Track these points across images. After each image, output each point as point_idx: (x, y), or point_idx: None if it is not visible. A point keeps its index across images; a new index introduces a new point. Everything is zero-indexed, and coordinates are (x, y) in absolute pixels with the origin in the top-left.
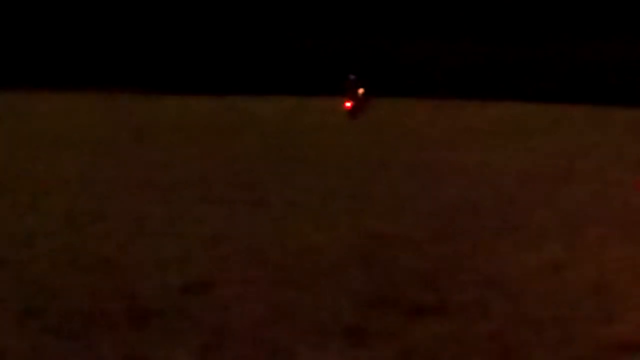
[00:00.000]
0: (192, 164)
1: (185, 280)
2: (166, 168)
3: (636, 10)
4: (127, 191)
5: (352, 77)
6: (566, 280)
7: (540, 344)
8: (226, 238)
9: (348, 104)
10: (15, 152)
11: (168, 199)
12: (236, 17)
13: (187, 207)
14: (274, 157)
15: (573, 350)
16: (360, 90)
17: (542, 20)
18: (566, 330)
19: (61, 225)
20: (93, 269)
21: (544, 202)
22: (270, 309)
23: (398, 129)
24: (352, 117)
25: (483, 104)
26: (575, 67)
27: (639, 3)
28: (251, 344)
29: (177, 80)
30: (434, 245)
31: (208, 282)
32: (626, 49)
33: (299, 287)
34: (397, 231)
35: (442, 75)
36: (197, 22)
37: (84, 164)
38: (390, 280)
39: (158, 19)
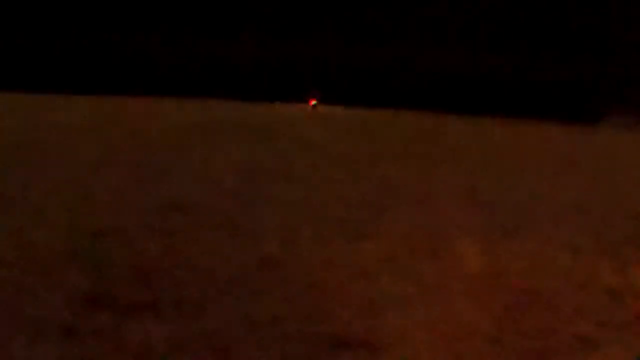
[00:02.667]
0: None
1: None
2: None
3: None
4: None
5: (314, 88)
6: (282, 277)
7: (255, 342)
8: None
9: (313, 102)
10: None
11: None
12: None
13: None
14: None
15: (287, 348)
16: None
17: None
18: (281, 328)
19: None
20: None
21: (263, 200)
22: None
23: (120, 127)
24: (314, 109)
25: (205, 102)
26: (292, 67)
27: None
28: None
29: None
30: (151, 242)
31: None
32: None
33: (14, 284)
34: (114, 228)
35: (162, 72)
36: None
37: None
38: (105, 278)
39: None
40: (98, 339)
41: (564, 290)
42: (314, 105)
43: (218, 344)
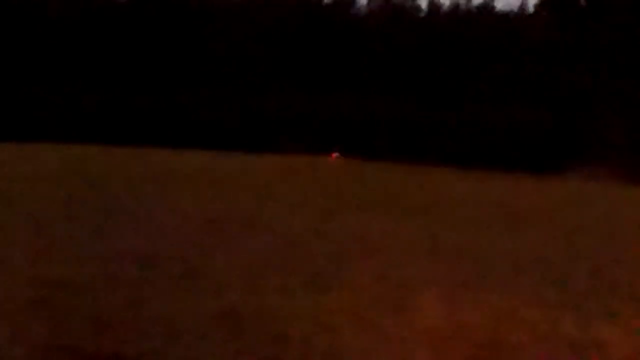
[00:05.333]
0: None
1: None
2: None
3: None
4: None
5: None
6: (244, 329)
7: None
8: None
9: (334, 155)
10: None
11: None
12: None
13: None
14: None
15: None
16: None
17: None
18: None
19: None
20: None
21: (227, 249)
22: None
23: (82, 176)
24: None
25: (169, 152)
26: (263, 117)
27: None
28: None
29: None
30: (113, 292)
31: None
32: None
33: None
34: (75, 278)
35: (122, 123)
36: None
37: None
38: (67, 328)
39: None
40: None
41: (526, 342)
42: (337, 158)
43: None
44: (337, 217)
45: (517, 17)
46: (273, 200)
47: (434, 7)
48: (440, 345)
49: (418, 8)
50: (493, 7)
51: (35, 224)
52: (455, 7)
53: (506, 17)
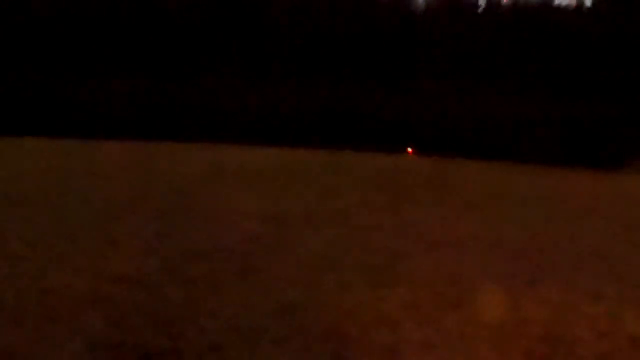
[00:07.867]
0: None
1: None
2: None
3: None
4: None
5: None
6: (303, 325)
7: None
8: None
9: (409, 150)
10: None
11: None
12: None
13: None
14: (10, 198)
15: None
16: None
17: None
18: None
19: None
20: None
21: (286, 246)
22: (2, 352)
23: (146, 171)
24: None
25: (228, 148)
26: (318, 112)
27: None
28: None
29: None
30: (173, 288)
31: None
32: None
33: (34, 330)
34: (137, 274)
35: (189, 119)
36: None
37: None
38: (127, 324)
39: None
40: None
41: (586, 338)
42: (411, 154)
43: None
44: (398, 212)
45: (576, 11)
46: (335, 197)
47: (492, 2)
48: (500, 340)
49: (476, 4)
50: (552, 1)
51: (94, 220)
52: (514, 2)
53: (565, 10)
